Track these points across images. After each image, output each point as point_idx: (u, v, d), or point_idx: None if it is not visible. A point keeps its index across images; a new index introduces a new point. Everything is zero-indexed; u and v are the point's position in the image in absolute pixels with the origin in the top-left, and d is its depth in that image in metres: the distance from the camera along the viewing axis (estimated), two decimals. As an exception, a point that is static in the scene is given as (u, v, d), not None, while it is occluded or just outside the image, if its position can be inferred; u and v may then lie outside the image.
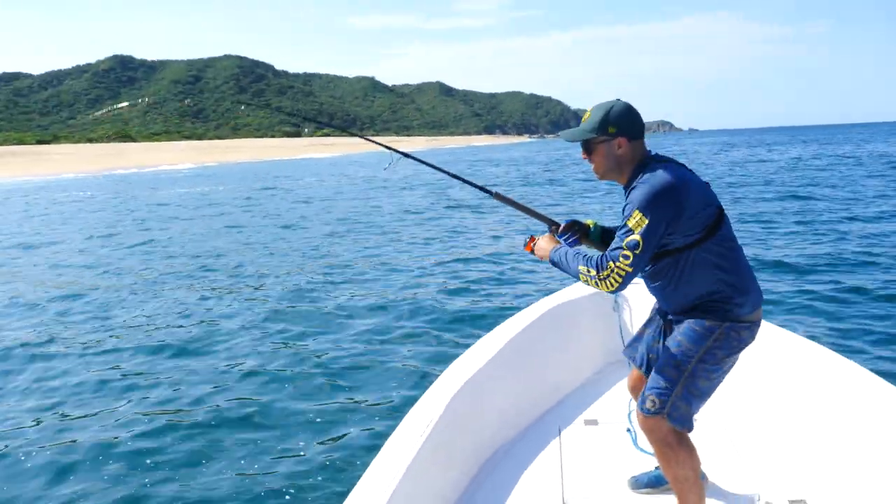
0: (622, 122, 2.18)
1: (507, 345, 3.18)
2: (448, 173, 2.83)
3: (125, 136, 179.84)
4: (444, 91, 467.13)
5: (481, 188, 2.69)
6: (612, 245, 2.14)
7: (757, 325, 2.23)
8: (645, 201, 2.06)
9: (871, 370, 2.80)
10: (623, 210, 2.15)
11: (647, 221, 2.05)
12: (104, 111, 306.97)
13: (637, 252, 2.07)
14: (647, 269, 2.26)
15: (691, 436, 2.33)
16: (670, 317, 2.36)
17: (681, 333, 2.24)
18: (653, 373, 2.31)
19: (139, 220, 18.07)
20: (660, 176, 2.09)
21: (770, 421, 3.01)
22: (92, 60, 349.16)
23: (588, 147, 2.25)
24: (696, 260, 2.14)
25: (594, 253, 2.25)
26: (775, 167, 31.82)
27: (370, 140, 3.13)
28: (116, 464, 4.06)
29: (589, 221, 2.56)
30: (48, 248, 13.76)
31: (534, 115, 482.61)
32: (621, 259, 2.09)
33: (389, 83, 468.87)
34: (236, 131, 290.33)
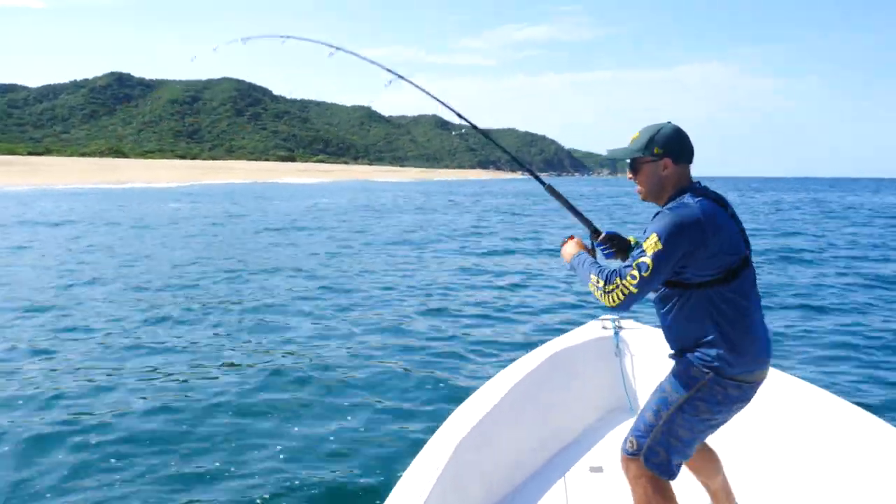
0: (669, 143, 2.18)
1: (513, 389, 3.17)
2: (520, 163, 3.31)
3: (118, 153, 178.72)
4: (440, 124, 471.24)
5: (536, 177, 2.88)
6: (626, 262, 2.13)
7: (751, 386, 2.15)
8: (665, 228, 2.05)
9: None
10: (644, 231, 2.14)
11: (661, 247, 2.04)
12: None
13: (645, 275, 2.06)
14: (658, 291, 2.22)
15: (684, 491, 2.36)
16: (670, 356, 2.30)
17: (668, 378, 2.24)
18: (639, 412, 2.29)
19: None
20: (689, 207, 2.08)
21: (774, 467, 3.01)
22: (90, 76, 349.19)
23: (634, 167, 2.25)
24: (700, 301, 2.11)
25: (613, 266, 2.21)
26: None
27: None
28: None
29: (631, 238, 2.57)
30: None
31: (528, 153, 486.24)
32: (629, 278, 2.08)
33: (386, 114, 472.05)
34: (231, 153, 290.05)
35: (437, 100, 3.08)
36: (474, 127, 3.18)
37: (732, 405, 2.15)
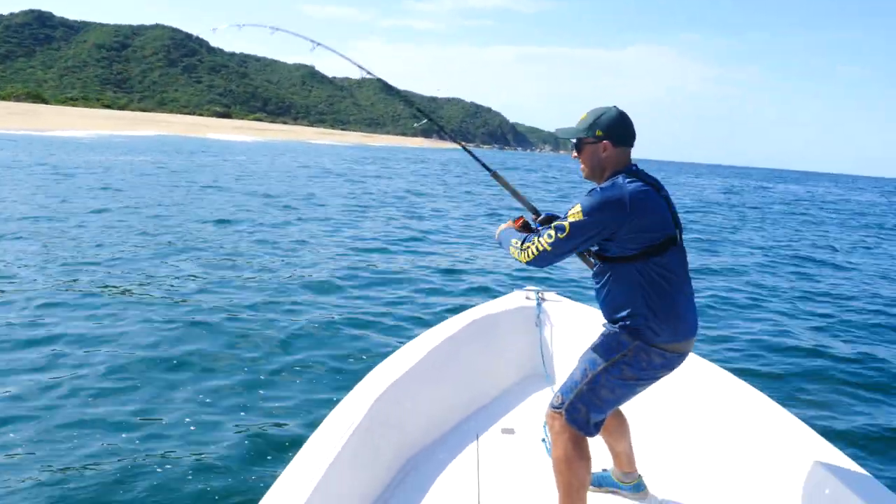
0: (611, 128, 2.30)
1: (431, 352, 3.26)
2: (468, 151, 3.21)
3: (37, 98, 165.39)
4: (385, 89, 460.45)
5: (483, 164, 2.97)
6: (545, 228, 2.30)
7: (675, 357, 2.28)
8: (590, 203, 2.18)
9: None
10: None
11: (580, 217, 2.17)
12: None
13: (560, 236, 2.21)
14: (595, 268, 2.38)
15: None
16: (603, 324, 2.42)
17: (598, 341, 2.35)
18: (570, 373, 2.44)
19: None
20: (618, 188, 2.19)
21: (674, 438, 3.16)
22: (4, 12, 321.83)
23: (578, 147, 2.37)
24: (629, 274, 2.22)
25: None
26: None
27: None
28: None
29: None
30: None
31: (472, 124, 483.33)
32: (545, 237, 2.25)
33: (330, 75, 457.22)
34: (162, 105, 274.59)
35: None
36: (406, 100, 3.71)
37: (656, 371, 2.27)
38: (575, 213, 2.18)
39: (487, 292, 8.63)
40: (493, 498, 2.67)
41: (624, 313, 2.25)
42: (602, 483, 2.76)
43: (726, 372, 3.26)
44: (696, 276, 9.62)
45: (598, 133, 2.28)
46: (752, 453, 2.76)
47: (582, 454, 2.31)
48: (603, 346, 2.29)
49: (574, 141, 2.35)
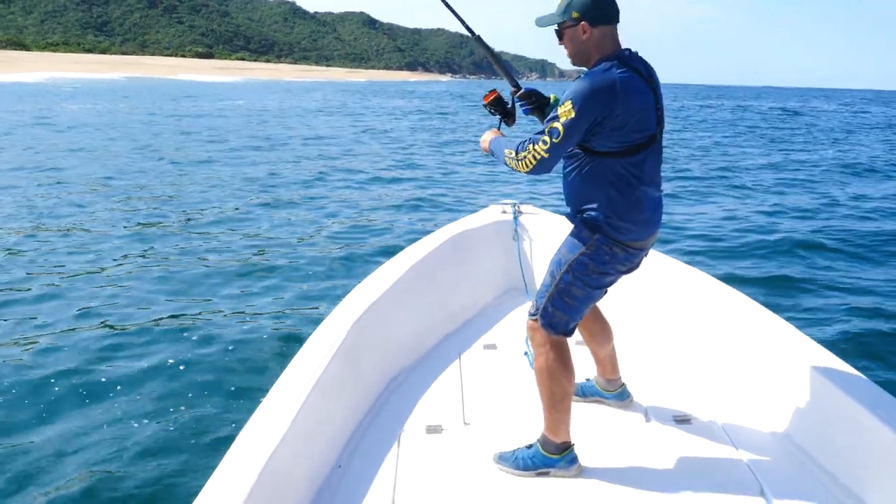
0: (584, 5, 2.10)
1: (410, 270, 3.24)
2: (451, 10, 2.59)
3: (18, 45, 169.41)
4: (368, 22, 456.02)
5: (466, 27, 2.58)
6: (539, 129, 2.15)
7: (636, 252, 2.24)
8: (578, 95, 2.03)
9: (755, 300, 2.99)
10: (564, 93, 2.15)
11: (573, 115, 2.02)
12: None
13: (556, 140, 2.06)
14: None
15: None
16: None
17: (563, 242, 2.31)
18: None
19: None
20: (605, 75, 2.04)
21: (657, 345, 3.19)
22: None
23: (559, 33, 2.20)
24: (599, 168, 2.14)
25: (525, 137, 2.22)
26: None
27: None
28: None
29: (552, 96, 2.54)
30: None
31: (457, 55, 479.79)
32: (540, 143, 2.10)
33: (311, 10, 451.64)
34: (144, 48, 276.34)
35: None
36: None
37: (619, 265, 2.23)
38: (565, 110, 2.03)
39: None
40: (478, 413, 2.67)
41: (587, 206, 2.19)
42: (586, 392, 2.75)
43: (710, 277, 3.25)
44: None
45: (575, 15, 2.09)
46: (738, 357, 2.76)
47: (564, 363, 2.28)
48: (566, 246, 2.26)
49: (555, 28, 2.18)
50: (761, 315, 2.81)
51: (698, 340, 3.00)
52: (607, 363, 2.68)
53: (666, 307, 3.27)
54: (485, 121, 27.38)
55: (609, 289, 2.36)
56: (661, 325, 3.25)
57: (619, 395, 2.71)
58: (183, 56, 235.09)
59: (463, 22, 2.58)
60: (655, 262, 3.23)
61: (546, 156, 2.10)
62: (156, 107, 31.90)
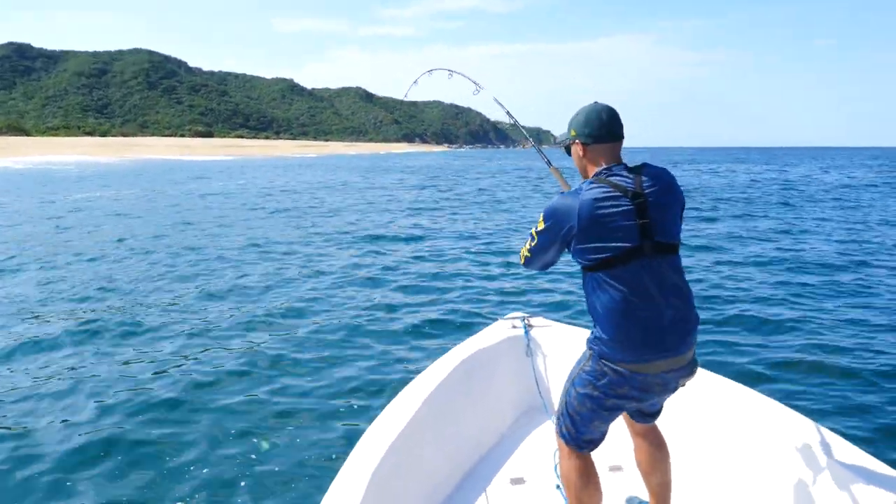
0: (578, 127, 2.22)
1: (425, 403, 3.02)
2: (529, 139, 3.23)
3: (19, 130, 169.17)
4: (365, 97, 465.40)
5: (545, 158, 2.84)
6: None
7: (641, 377, 2.09)
8: (547, 210, 2.15)
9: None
10: None
11: (543, 226, 2.16)
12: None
13: (533, 244, 2.24)
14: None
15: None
16: None
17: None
18: None
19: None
20: (573, 195, 2.10)
21: (722, 483, 2.94)
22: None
23: (567, 149, 2.34)
24: (593, 282, 2.13)
25: None
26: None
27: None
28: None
29: None
30: None
31: (453, 125, 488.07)
32: (528, 243, 2.28)
33: (309, 86, 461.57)
34: (144, 128, 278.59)
35: (510, 114, 3.20)
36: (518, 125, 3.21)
37: (618, 389, 2.11)
38: (539, 221, 2.16)
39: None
40: None
41: (592, 320, 2.18)
42: None
43: (768, 398, 2.99)
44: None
45: (573, 134, 2.23)
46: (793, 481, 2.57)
47: (584, 478, 2.25)
48: (578, 358, 2.26)
49: (564, 146, 2.32)
50: (806, 427, 2.62)
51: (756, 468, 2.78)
52: (657, 494, 2.47)
53: (726, 436, 2.97)
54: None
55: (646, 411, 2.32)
56: (722, 455, 2.97)
57: None
58: (182, 136, 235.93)
59: (544, 156, 2.87)
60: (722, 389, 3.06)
61: (529, 255, 2.27)
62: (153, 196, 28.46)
